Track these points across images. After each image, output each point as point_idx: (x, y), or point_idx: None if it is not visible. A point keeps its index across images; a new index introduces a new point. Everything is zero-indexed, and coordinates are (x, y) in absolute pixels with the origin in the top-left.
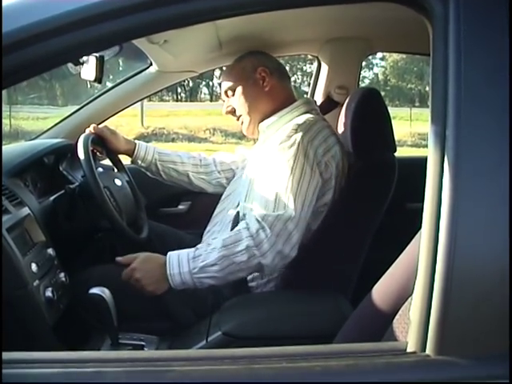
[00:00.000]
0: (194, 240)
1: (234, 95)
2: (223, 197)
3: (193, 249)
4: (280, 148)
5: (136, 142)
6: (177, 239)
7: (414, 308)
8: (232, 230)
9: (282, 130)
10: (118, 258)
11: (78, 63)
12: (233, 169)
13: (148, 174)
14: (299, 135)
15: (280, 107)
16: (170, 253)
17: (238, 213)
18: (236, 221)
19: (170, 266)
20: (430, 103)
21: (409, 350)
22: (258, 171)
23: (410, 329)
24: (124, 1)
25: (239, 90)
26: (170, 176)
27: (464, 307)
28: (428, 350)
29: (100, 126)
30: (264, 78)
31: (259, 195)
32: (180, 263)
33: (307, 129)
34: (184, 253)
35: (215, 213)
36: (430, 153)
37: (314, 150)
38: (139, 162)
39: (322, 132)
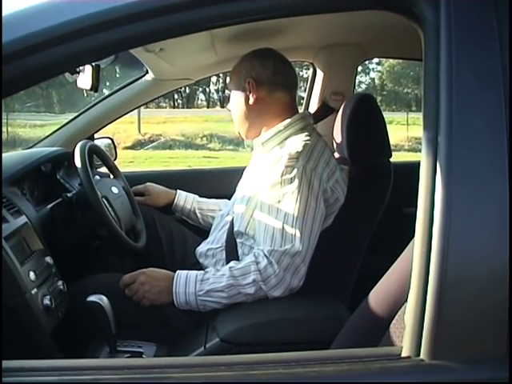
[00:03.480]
0: (197, 241)
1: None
2: (218, 214)
3: (202, 271)
4: (282, 180)
5: (176, 192)
6: (181, 233)
7: (408, 313)
8: (227, 254)
9: (280, 154)
10: (125, 277)
11: (74, 72)
12: None
13: (188, 221)
14: (301, 165)
15: (271, 122)
16: (179, 271)
17: (232, 236)
18: (230, 244)
19: (177, 283)
20: (422, 109)
21: (403, 354)
22: (259, 197)
23: (405, 333)
24: (121, 11)
25: (232, 93)
26: (208, 223)
27: (458, 311)
28: (422, 355)
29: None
30: (250, 90)
31: (264, 227)
32: (187, 283)
33: (309, 155)
34: (193, 274)
35: (211, 230)
36: (423, 158)
37: (318, 179)
38: (178, 211)
39: (324, 155)
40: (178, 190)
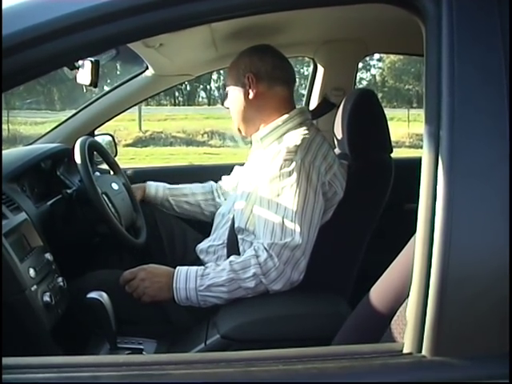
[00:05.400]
0: (198, 238)
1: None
2: (218, 213)
3: (202, 267)
4: (281, 174)
5: (145, 184)
6: (182, 230)
7: (409, 309)
8: (228, 250)
9: (278, 148)
10: (125, 273)
11: (73, 68)
12: (230, 188)
13: (164, 210)
14: (299, 158)
15: (269, 117)
16: (179, 267)
17: (234, 233)
18: (232, 241)
19: (177, 279)
20: (424, 103)
21: (405, 351)
22: (258, 192)
23: (406, 330)
24: (120, 4)
25: (230, 89)
26: (184, 209)
27: (460, 308)
28: (424, 351)
29: None
30: (250, 85)
31: (264, 221)
32: (187, 279)
33: (307, 149)
34: (193, 269)
35: (213, 229)
36: (425, 153)
37: (316, 172)
38: (151, 201)
39: (322, 149)
40: (148, 182)
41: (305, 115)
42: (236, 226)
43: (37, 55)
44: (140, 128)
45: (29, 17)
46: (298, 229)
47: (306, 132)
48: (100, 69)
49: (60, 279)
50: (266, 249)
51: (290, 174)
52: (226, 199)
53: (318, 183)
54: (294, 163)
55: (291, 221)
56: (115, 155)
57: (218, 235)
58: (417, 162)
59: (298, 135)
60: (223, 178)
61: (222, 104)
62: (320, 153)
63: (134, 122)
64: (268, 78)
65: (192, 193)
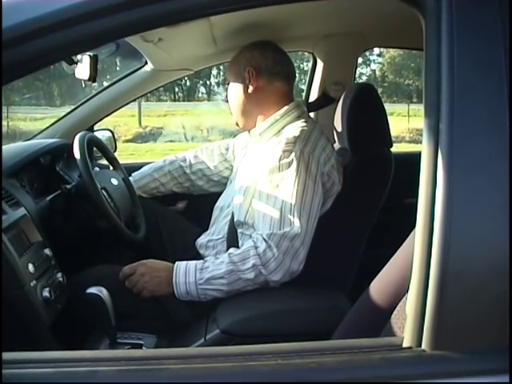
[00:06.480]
0: (198, 234)
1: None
2: (216, 206)
3: (201, 260)
4: (280, 164)
5: None
6: (182, 225)
7: (409, 303)
8: (228, 244)
9: (277, 141)
10: (125, 268)
11: (72, 62)
12: (210, 167)
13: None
14: (298, 149)
15: (268, 111)
16: (178, 262)
17: (234, 227)
18: (232, 235)
19: (177, 273)
20: (423, 96)
21: (405, 345)
22: (256, 185)
23: (406, 324)
24: None
25: (230, 83)
26: (161, 192)
27: (459, 302)
28: (424, 345)
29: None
30: (250, 80)
31: (263, 213)
32: (187, 273)
33: (306, 140)
34: (192, 263)
35: (211, 222)
36: (424, 146)
37: (316, 162)
38: None
39: (320, 141)
40: None
41: (302, 108)
42: (235, 219)
43: (39, 47)
44: (140, 124)
45: (29, 9)
46: (296, 219)
47: (305, 124)
48: (99, 64)
49: (59, 274)
50: (264, 239)
51: (289, 164)
52: (200, 177)
53: (317, 173)
54: (293, 154)
55: (290, 211)
56: (115, 150)
57: (217, 229)
58: (417, 157)
59: (297, 127)
60: (198, 154)
61: (224, 98)
62: (319, 144)
63: (133, 117)
64: (268, 72)
65: (161, 183)
